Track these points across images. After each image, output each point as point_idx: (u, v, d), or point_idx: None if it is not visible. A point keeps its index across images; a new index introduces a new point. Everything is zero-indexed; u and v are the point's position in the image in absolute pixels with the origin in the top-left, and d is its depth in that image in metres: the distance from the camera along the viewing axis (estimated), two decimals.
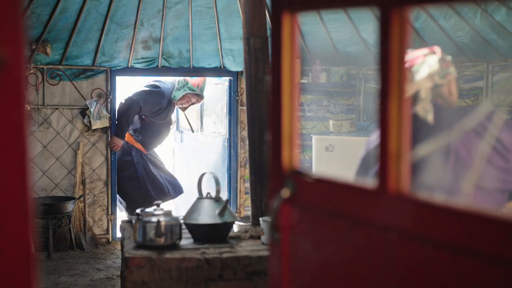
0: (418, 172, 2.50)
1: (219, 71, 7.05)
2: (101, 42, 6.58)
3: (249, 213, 5.51)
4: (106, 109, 6.76)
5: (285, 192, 1.84)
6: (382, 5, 1.48)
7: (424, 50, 2.69)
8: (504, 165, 2.56)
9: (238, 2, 5.97)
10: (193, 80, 6.92)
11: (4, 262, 1.10)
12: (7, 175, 1.09)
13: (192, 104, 7.00)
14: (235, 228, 3.74)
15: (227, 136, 7.15)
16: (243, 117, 6.92)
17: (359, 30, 6.28)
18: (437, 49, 2.70)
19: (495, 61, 6.10)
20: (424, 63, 2.65)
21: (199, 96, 6.93)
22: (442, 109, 2.65)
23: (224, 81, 7.22)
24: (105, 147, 6.87)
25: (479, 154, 2.53)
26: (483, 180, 2.55)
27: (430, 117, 2.61)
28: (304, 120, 7.09)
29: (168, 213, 3.41)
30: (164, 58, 6.88)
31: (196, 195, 3.63)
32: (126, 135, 6.79)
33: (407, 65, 2.66)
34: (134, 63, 6.86)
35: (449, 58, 2.70)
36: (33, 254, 1.12)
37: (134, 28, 6.62)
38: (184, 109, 7.10)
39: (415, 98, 2.63)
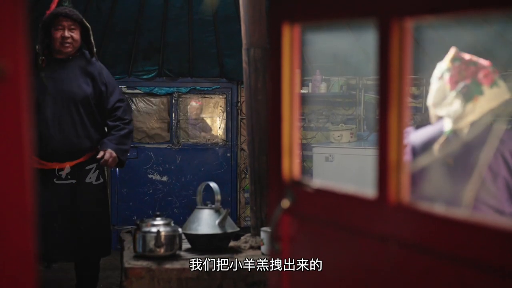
0: (421, 183, 2.49)
1: (219, 81, 7.06)
2: (101, 52, 6.59)
3: (249, 223, 5.51)
4: None
5: (285, 203, 1.84)
6: (381, 16, 1.48)
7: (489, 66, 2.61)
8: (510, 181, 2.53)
9: (238, 12, 5.99)
10: None
11: (4, 271, 1.09)
12: (8, 185, 1.09)
13: None
14: None
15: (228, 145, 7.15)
16: (243, 127, 6.93)
17: (359, 40, 6.29)
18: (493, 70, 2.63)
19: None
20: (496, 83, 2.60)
21: None
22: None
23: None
24: None
25: (479, 165, 2.52)
26: (491, 198, 2.52)
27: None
28: (304, 130, 7.09)
29: (168, 223, 3.41)
30: (164, 68, 6.89)
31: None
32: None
33: (488, 79, 2.62)
34: (134, 73, 6.86)
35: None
36: (34, 264, 1.12)
37: (134, 38, 6.64)
38: None
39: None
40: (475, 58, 2.61)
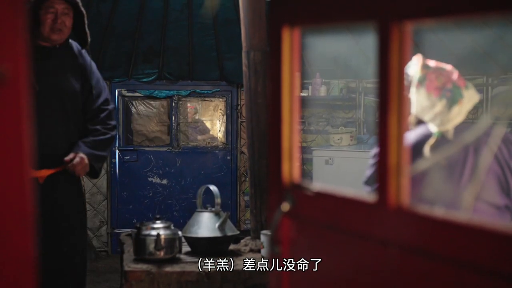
0: (421, 186, 2.50)
1: (219, 84, 7.06)
2: (101, 55, 6.60)
3: (249, 226, 5.51)
4: None
5: (285, 206, 1.84)
6: (381, 19, 1.48)
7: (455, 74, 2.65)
8: (504, 181, 2.56)
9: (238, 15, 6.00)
10: None
11: (3, 272, 1.09)
12: (8, 188, 1.09)
13: None
14: None
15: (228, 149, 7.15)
16: (243, 130, 6.93)
17: (359, 43, 6.29)
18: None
19: (495, 74, 6.11)
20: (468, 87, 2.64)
21: None
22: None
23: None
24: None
25: (479, 167, 2.53)
26: (485, 193, 2.55)
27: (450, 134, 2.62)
28: (304, 133, 7.09)
29: (168, 226, 3.41)
30: (164, 71, 6.90)
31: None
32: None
33: (462, 81, 2.64)
34: (134, 76, 6.87)
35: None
36: (34, 267, 1.12)
37: (134, 41, 6.64)
38: None
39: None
40: (439, 63, 2.65)
